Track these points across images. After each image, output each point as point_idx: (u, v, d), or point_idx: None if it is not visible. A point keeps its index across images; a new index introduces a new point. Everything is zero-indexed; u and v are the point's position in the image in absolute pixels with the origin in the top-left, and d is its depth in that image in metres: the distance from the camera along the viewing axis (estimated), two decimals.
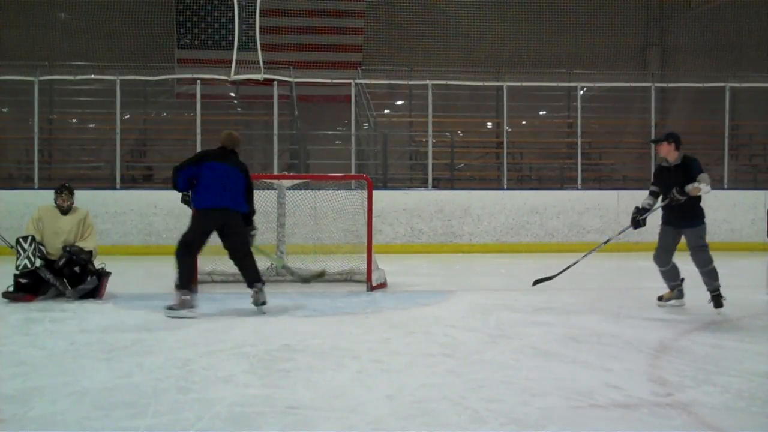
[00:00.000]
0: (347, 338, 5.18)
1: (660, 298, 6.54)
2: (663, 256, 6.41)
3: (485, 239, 11.91)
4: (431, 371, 4.22)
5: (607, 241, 7.19)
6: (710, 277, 6.17)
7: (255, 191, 8.65)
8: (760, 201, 12.17)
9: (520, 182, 14.30)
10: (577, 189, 12.70)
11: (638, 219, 6.44)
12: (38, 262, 6.65)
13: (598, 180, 14.42)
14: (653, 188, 6.52)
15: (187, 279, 6.13)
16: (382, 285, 7.74)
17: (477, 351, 4.77)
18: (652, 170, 12.99)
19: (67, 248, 6.79)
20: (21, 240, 6.72)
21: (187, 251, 6.20)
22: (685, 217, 6.31)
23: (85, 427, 3.29)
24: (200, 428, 3.27)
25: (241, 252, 6.31)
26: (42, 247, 6.75)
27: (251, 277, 6.27)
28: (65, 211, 6.98)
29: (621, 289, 8.10)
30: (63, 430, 3.26)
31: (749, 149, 15.34)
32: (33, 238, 6.71)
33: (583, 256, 6.94)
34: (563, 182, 13.28)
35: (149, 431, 3.24)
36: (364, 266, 7.74)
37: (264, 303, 6.23)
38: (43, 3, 14.73)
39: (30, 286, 6.67)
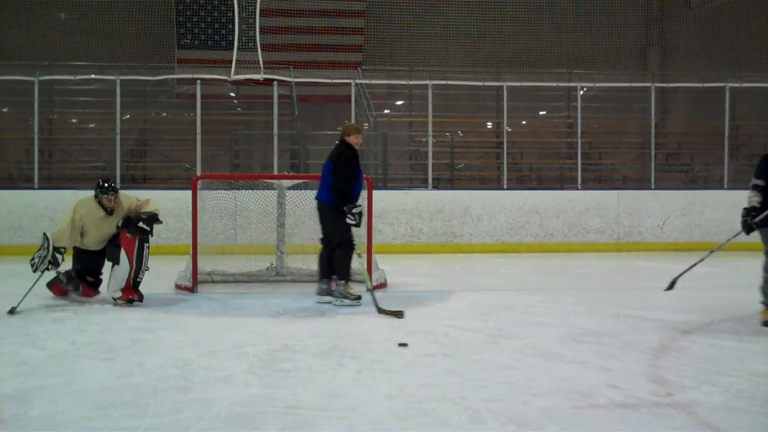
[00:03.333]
0: (347, 338, 5.18)
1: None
2: None
3: (485, 239, 11.90)
4: (431, 371, 4.22)
5: (723, 244, 6.35)
6: None
7: (255, 191, 8.70)
8: None
9: (520, 182, 14.29)
10: (577, 189, 12.70)
11: (751, 222, 5.62)
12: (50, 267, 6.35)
13: (598, 180, 14.42)
14: (758, 182, 5.73)
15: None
16: (382, 285, 7.74)
17: (477, 351, 4.77)
18: (653, 170, 13.24)
19: (132, 217, 6.48)
20: (54, 249, 6.27)
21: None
22: None
23: (85, 427, 3.29)
24: (200, 428, 3.27)
25: (331, 243, 6.63)
26: (59, 255, 6.34)
27: (333, 270, 6.59)
28: (110, 211, 6.50)
29: (621, 289, 8.11)
30: (63, 430, 3.26)
31: (749, 149, 15.30)
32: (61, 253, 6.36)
33: (706, 255, 6.27)
34: (563, 182, 13.27)
35: (149, 431, 3.24)
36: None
37: (319, 294, 6.59)
38: (43, 3, 14.72)
39: (94, 283, 6.64)
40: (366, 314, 6.18)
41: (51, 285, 6.72)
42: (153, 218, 6.52)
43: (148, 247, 6.50)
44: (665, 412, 3.51)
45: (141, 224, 6.41)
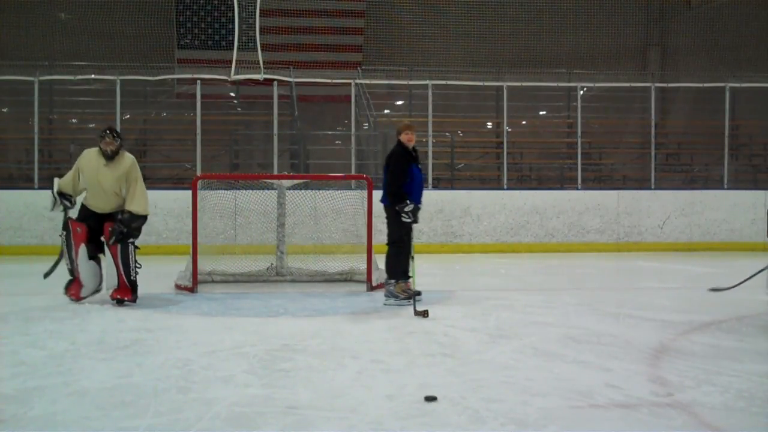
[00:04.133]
0: (347, 338, 5.18)
1: None
2: None
3: (485, 239, 11.90)
4: (431, 371, 4.22)
5: None
6: None
7: (255, 191, 8.72)
8: (760, 201, 12.18)
9: (520, 182, 14.30)
10: (577, 189, 12.70)
11: None
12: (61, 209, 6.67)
13: (598, 180, 14.43)
14: None
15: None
16: (382, 285, 7.73)
17: (477, 351, 4.77)
18: (653, 170, 13.25)
19: (120, 217, 6.46)
20: (60, 195, 6.70)
21: None
22: None
23: (85, 427, 3.29)
24: (200, 428, 3.27)
25: (389, 242, 6.75)
26: (66, 201, 6.69)
27: (386, 269, 6.73)
28: (110, 155, 6.53)
29: (621, 289, 8.11)
30: (63, 430, 3.26)
31: (749, 149, 15.34)
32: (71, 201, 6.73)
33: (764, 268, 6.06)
34: (563, 182, 13.28)
35: (149, 431, 3.24)
36: (364, 266, 7.74)
37: (385, 296, 6.67)
38: (43, 3, 14.73)
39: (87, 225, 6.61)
40: (366, 314, 6.19)
41: (67, 288, 6.68)
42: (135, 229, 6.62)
43: (132, 243, 6.49)
44: (665, 412, 3.51)
45: (122, 234, 6.47)
